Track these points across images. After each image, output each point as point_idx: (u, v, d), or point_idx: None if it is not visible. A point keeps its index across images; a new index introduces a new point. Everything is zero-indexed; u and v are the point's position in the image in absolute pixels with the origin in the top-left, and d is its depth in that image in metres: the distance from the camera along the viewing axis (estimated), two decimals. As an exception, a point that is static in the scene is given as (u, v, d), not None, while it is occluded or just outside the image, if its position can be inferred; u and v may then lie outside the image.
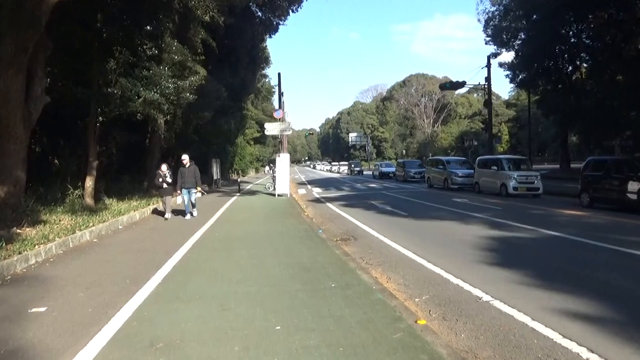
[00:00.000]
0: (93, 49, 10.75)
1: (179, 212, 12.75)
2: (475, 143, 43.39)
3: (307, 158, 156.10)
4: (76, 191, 11.99)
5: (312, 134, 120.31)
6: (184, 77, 12.56)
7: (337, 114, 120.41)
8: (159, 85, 11.22)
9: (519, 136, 67.12)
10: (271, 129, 20.36)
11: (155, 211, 13.59)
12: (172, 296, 4.91)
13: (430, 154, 62.24)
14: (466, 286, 5.46)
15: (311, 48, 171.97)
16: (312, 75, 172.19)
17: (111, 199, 13.66)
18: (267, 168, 63.43)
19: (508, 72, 33.14)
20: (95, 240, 8.85)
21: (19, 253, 6.48)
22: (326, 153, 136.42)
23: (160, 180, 11.87)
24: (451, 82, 25.83)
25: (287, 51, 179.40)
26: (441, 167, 22.94)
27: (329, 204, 16.83)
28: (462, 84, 25.51)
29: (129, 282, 5.50)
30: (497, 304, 4.76)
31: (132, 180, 19.03)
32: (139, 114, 11.67)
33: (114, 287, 5.30)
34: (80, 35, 10.56)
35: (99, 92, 10.81)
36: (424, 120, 70.91)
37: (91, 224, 9.27)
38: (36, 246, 6.99)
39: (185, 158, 12.19)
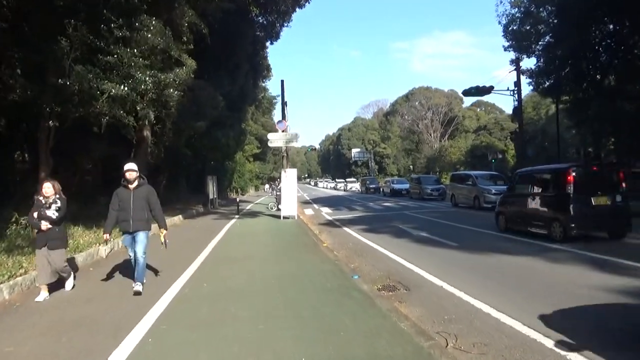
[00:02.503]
0: (36, 21, 7.89)
1: (123, 271, 9.04)
2: (500, 156, 40.56)
3: (306, 175, 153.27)
4: (23, 219, 9.05)
5: (315, 149, 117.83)
6: (167, 69, 9.71)
7: (338, 130, 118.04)
8: (132, 78, 8.38)
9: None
10: (275, 139, 17.54)
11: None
12: None
13: (438, 169, 59.51)
14: None
15: (310, 65, 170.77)
16: (311, 93, 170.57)
17: (76, 227, 10.72)
18: (267, 186, 60.61)
19: (529, 80, 30.51)
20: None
21: None
22: (326, 170, 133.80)
23: (37, 216, 5.87)
24: (477, 87, 23.14)
25: (286, 69, 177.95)
26: (469, 183, 20.04)
27: (346, 229, 13.90)
28: (488, 90, 22.80)
29: None
30: None
31: (109, 202, 16.10)
32: (104, 118, 8.71)
33: None
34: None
35: (48, 86, 7.93)
36: (430, 135, 68.28)
37: (18, 273, 6.32)
38: None
39: (131, 169, 6.39)
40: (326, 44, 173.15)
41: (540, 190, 10.83)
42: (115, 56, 8.18)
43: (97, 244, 9.14)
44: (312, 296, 5.55)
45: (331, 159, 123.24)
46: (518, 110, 22.43)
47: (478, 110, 72.46)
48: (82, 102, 8.17)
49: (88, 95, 7.97)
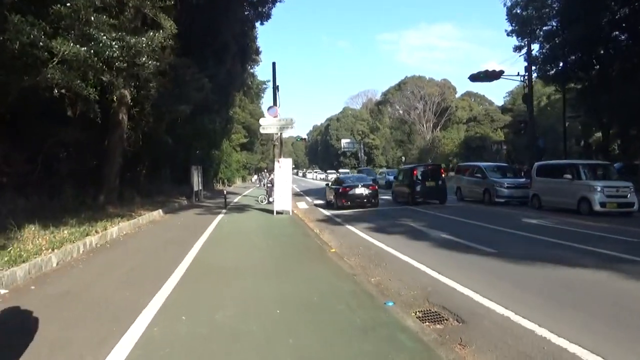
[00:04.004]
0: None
1: (73, 289, 7.58)
2: (504, 147, 39.02)
3: (294, 166, 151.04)
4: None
5: (305, 139, 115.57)
6: (140, 33, 7.77)
7: (326, 121, 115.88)
8: (91, 38, 6.47)
9: (516, 143, 63.36)
10: (268, 125, 15.67)
11: (103, 249, 8.78)
12: None
13: (430, 161, 58.06)
14: None
15: (297, 54, 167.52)
16: (298, 82, 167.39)
17: (30, 227, 8.81)
18: (255, 177, 58.48)
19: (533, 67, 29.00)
20: None
21: None
22: (314, 161, 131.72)
23: None
24: (486, 71, 21.44)
25: (273, 58, 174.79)
26: (478, 175, 18.41)
27: (349, 227, 12.18)
28: (498, 74, 21.10)
29: None
30: None
31: (80, 194, 14.12)
32: (56, 89, 6.72)
33: None
34: None
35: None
36: (423, 125, 66.73)
37: None
38: None
39: None
40: (314, 34, 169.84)
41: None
42: (69, 5, 6.20)
43: (51, 249, 7.26)
44: (340, 347, 3.78)
45: (319, 150, 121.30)
46: (529, 97, 20.88)
47: (471, 100, 71.13)
48: (25, 68, 6.23)
49: (32, 58, 6.06)
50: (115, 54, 6.87)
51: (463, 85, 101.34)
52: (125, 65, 7.37)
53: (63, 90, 7.01)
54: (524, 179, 17.70)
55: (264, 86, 44.99)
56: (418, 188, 18.20)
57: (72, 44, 6.11)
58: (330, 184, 21.15)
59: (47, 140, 12.99)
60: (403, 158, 65.43)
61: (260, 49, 32.63)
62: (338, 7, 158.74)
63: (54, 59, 6.24)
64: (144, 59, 7.57)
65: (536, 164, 15.76)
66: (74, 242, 8.18)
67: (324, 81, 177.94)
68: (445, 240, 9.45)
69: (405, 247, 8.77)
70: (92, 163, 15.50)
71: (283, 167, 15.08)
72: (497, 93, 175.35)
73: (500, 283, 6.06)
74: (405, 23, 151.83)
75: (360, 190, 17.73)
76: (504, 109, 72.98)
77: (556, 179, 14.24)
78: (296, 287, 5.66)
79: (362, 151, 76.14)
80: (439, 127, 67.00)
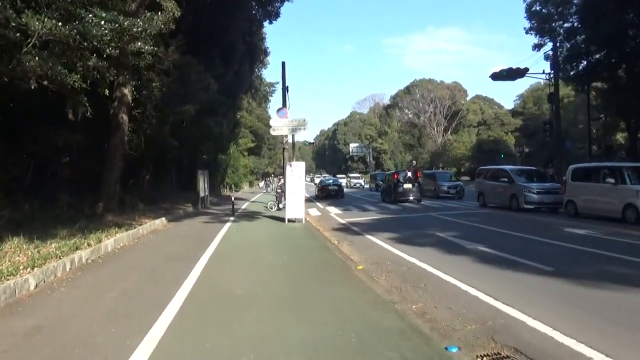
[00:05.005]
0: None
1: (51, 321, 6.45)
2: (527, 150, 37.56)
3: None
4: None
5: (312, 144, 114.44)
6: (137, 14, 6.67)
7: (333, 125, 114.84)
8: (75, 15, 5.38)
9: (533, 145, 61.83)
10: (279, 126, 14.52)
11: (93, 265, 7.68)
12: None
13: (441, 165, 56.69)
14: None
15: (302, 60, 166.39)
16: (304, 87, 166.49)
17: (14, 240, 7.73)
18: (262, 183, 57.32)
19: (545, 69, 27.61)
20: None
21: None
22: (321, 165, 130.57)
23: None
24: (509, 69, 20.20)
25: (279, 63, 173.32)
26: (504, 179, 17.14)
27: (370, 237, 11.00)
28: (522, 72, 19.85)
29: None
30: None
31: (77, 201, 13.08)
32: (33, 77, 5.60)
33: None
34: None
35: None
36: (434, 129, 65.38)
37: None
38: None
39: None
40: (320, 38, 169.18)
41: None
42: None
43: (30, 268, 6.15)
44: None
45: (327, 154, 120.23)
46: (554, 96, 19.58)
47: (482, 103, 69.76)
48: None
49: (3, 39, 4.97)
50: (105, 37, 5.77)
51: (472, 88, 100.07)
52: (117, 52, 6.28)
53: (46, 83, 5.92)
54: (553, 184, 16.42)
55: (273, 88, 43.93)
56: (399, 189, 22.29)
57: (48, 20, 5.01)
58: (317, 183, 35.17)
59: (41, 142, 11.98)
60: (414, 162, 64.14)
61: (268, 50, 31.62)
62: (343, 11, 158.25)
63: (29, 41, 5.17)
64: (139, 44, 6.45)
65: (571, 167, 14.46)
66: (60, 257, 7.07)
67: (330, 86, 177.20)
68: (486, 255, 8.24)
69: (441, 263, 7.57)
70: (91, 168, 14.45)
71: (295, 171, 13.94)
72: (506, 97, 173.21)
73: (577, 313, 4.85)
74: (412, 27, 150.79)
75: (332, 187, 31.09)
76: (514, 112, 71.67)
77: (596, 184, 12.97)
78: (325, 321, 4.48)
79: (371, 155, 74.96)
80: (449, 131, 65.63)
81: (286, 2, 22.16)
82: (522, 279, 6.39)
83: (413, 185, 22.41)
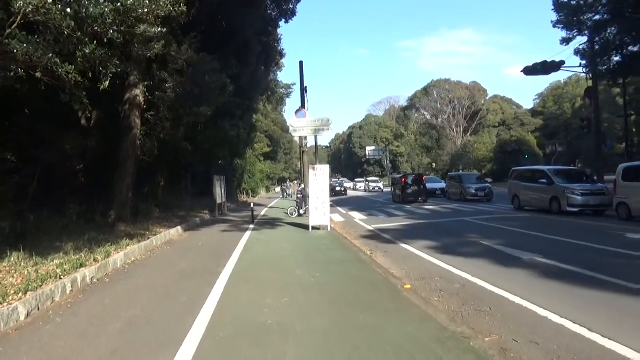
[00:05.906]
0: None
1: None
2: (560, 149, 35.94)
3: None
4: None
5: (329, 147, 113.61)
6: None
7: (349, 129, 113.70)
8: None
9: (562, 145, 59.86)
10: (300, 127, 13.58)
11: (99, 286, 6.77)
12: None
13: (461, 167, 55.10)
14: None
15: (316, 64, 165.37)
16: (319, 91, 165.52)
17: (14, 255, 6.88)
18: (278, 189, 56.43)
19: (582, 62, 26.14)
20: None
21: None
22: (337, 169, 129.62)
23: None
24: (544, 62, 18.88)
25: (293, 67, 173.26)
26: (543, 181, 15.85)
27: (406, 247, 9.91)
28: (558, 65, 18.54)
29: None
30: None
31: (87, 211, 12.27)
32: (16, 67, 4.68)
33: None
34: None
35: None
36: (453, 130, 63.80)
37: None
38: None
39: None
40: (333, 43, 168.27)
41: None
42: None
43: (22, 293, 5.23)
44: None
45: (342, 158, 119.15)
46: (594, 91, 18.22)
47: (502, 103, 68.01)
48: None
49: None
50: (106, 19, 4.84)
51: (488, 90, 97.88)
52: (121, 37, 5.35)
53: (39, 75, 5.03)
54: (597, 184, 15.12)
55: (290, 90, 43.03)
56: (408, 191, 25.06)
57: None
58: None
59: (48, 147, 11.19)
60: (433, 165, 62.65)
61: (284, 52, 30.77)
62: (357, 16, 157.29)
63: (13, 20, 4.27)
64: (143, 26, 5.47)
65: (622, 165, 13.16)
66: (61, 277, 6.17)
67: (345, 90, 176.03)
68: (549, 268, 7.09)
69: (498, 278, 6.46)
70: (102, 174, 13.64)
71: (319, 175, 12.92)
72: (523, 97, 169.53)
73: None
74: (426, 30, 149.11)
75: (338, 188, 41.97)
76: (534, 112, 69.77)
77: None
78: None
79: (388, 159, 73.69)
80: (469, 132, 64.01)
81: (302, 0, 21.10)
82: (607, 301, 5.25)
83: (419, 187, 25.22)
